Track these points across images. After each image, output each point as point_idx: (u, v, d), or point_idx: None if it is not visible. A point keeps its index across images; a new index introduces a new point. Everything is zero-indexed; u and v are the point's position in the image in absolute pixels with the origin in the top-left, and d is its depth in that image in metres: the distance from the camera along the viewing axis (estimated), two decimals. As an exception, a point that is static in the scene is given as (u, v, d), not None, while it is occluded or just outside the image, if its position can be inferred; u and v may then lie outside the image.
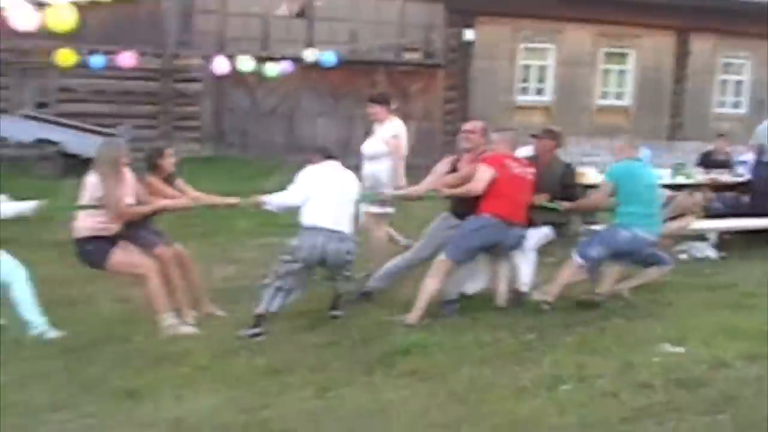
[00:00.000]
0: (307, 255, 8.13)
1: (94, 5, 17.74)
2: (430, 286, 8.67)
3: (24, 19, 10.82)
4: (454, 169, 9.35)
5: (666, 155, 21.44)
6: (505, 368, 7.19)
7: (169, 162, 9.05)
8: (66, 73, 21.14)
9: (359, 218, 8.93)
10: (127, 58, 19.65)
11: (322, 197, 8.35)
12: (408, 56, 26.39)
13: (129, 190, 8.37)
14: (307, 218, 8.31)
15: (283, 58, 21.89)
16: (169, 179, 9.04)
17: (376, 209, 9.93)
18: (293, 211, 8.50)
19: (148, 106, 25.02)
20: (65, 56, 18.30)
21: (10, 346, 7.75)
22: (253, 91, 25.47)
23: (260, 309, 8.14)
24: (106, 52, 20.43)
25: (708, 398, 6.35)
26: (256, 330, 8.07)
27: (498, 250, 9.13)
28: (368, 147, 10.40)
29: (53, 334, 8.08)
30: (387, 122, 10.38)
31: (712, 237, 13.11)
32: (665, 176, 13.86)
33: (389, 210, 10.31)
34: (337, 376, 7.07)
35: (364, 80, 24.18)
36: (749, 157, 15.09)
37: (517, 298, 9.32)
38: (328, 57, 21.27)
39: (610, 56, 26.82)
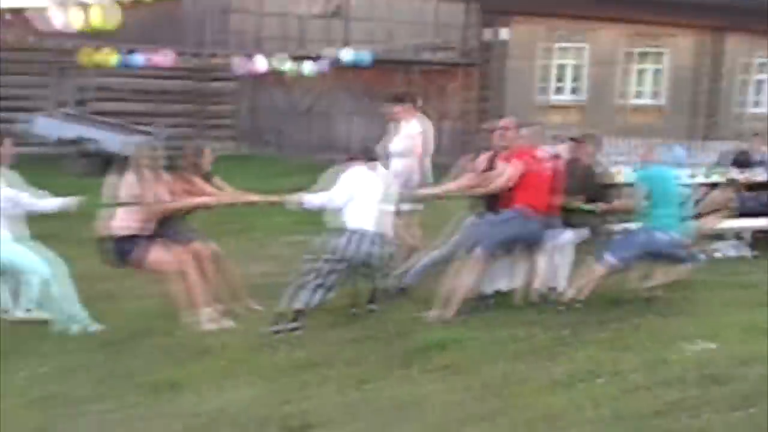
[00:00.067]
0: (352, 256, 8.23)
1: (134, 5, 17.92)
2: (466, 280, 8.74)
3: (67, 20, 10.95)
4: (491, 166, 9.42)
5: (700, 155, 21.38)
6: (539, 363, 7.25)
7: (206, 160, 9.16)
8: (104, 72, 21.30)
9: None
10: (164, 58, 19.79)
11: (366, 199, 8.45)
12: (443, 56, 26.38)
13: (164, 188, 8.51)
14: (351, 220, 8.38)
15: (319, 58, 21.95)
16: (206, 177, 9.15)
17: (405, 207, 9.99)
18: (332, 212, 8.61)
19: (185, 105, 25.19)
20: (107, 56, 18.46)
21: (53, 339, 7.92)
22: (288, 90, 25.58)
23: (300, 304, 8.22)
24: (144, 52, 20.58)
25: (740, 393, 6.39)
26: (296, 324, 8.16)
27: (532, 244, 9.21)
28: (394, 145, 10.46)
29: (95, 327, 8.24)
30: (411, 120, 10.43)
31: (746, 236, 13.10)
32: (699, 175, 13.84)
33: (418, 207, 10.37)
34: (373, 369, 7.15)
35: (399, 80, 24.19)
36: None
37: (551, 296, 9.39)
38: (364, 56, 21.29)
39: (644, 56, 26.79)
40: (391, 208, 8.76)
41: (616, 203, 9.94)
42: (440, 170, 10.27)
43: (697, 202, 10.55)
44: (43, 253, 8.30)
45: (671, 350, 7.50)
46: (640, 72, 26.94)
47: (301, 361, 7.30)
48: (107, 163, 20.80)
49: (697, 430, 5.61)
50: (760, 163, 15.52)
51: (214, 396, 6.51)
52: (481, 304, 9.01)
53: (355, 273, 8.62)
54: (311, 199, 8.70)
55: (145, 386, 6.74)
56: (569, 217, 9.49)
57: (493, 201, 9.21)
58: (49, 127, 22.29)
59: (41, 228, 8.79)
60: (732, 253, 12.65)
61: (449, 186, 9.68)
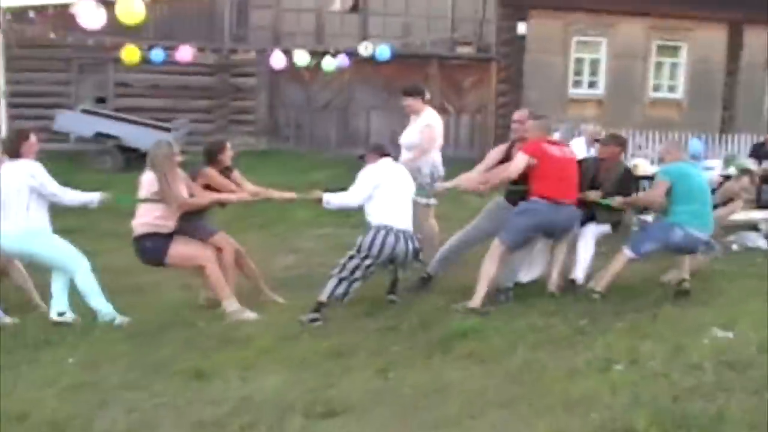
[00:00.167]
0: (379, 253, 8.36)
1: (154, 1, 17.99)
2: (489, 269, 8.83)
3: (91, 17, 11.05)
4: (507, 157, 9.51)
5: (718, 147, 21.44)
6: (558, 352, 7.31)
7: (227, 155, 9.32)
8: (124, 68, 21.41)
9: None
10: (185, 53, 19.88)
11: (387, 196, 8.59)
12: (461, 50, 26.39)
13: (182, 184, 8.66)
14: (376, 217, 8.53)
15: (338, 53, 22.02)
16: (226, 172, 9.30)
17: (422, 200, 10.08)
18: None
19: (205, 101, 25.26)
20: (130, 52, 18.56)
21: (81, 331, 8.09)
22: (307, 86, 25.64)
23: (323, 296, 8.36)
24: (165, 48, 20.69)
25: (756, 379, 6.43)
26: (318, 315, 8.30)
27: (553, 234, 9.32)
28: (405, 138, 10.56)
29: (121, 319, 8.40)
30: (423, 113, 10.52)
31: (764, 227, 13.16)
32: (717, 167, 13.94)
33: (432, 202, 10.44)
34: (397, 358, 7.26)
35: (418, 74, 24.19)
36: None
37: (570, 287, 9.48)
38: (383, 51, 21.31)
39: (662, 49, 26.72)
40: (410, 201, 8.88)
41: (636, 197, 10.05)
42: (458, 163, 10.35)
43: (713, 191, 10.62)
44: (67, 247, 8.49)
45: (688, 339, 7.52)
46: (659, 65, 26.90)
47: (324, 351, 7.40)
48: (128, 159, 21.15)
49: (714, 414, 5.64)
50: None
51: (240, 384, 6.62)
52: (501, 296, 9.10)
53: (382, 268, 8.76)
54: (330, 199, 8.81)
55: (173, 375, 6.88)
56: (591, 211, 9.59)
57: (514, 191, 9.30)
58: (70, 124, 22.50)
59: (65, 222, 8.94)
60: (749, 244, 12.70)
61: (461, 180, 9.75)
